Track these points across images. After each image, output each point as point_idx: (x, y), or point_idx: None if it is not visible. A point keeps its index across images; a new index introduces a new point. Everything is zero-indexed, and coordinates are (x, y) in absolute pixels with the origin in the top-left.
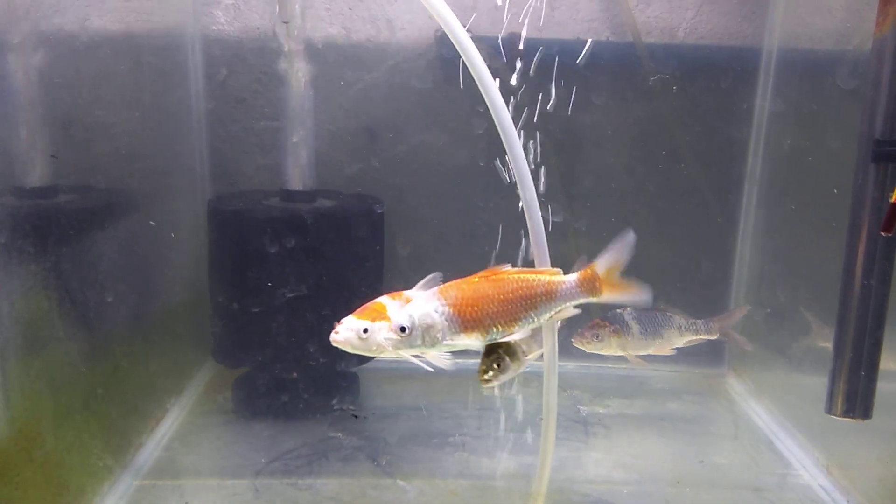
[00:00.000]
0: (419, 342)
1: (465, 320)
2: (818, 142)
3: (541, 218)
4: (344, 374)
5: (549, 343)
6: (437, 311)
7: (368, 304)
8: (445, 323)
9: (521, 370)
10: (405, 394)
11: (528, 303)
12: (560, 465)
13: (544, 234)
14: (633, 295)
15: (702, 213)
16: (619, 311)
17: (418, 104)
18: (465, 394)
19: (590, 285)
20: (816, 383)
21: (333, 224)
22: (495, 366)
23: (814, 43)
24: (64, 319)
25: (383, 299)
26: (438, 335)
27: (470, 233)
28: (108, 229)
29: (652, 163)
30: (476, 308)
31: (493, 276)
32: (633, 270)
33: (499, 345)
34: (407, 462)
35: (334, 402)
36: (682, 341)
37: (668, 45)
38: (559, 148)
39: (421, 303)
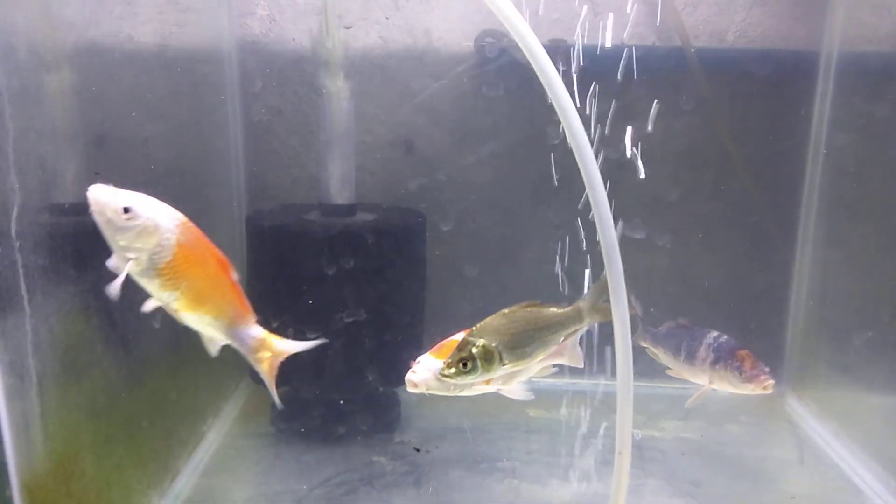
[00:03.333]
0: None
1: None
2: (882, 149)
3: (615, 234)
4: (386, 394)
5: (624, 365)
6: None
7: (444, 343)
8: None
9: (499, 381)
10: (448, 415)
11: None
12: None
13: (618, 250)
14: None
15: (757, 224)
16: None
17: (459, 114)
18: (510, 415)
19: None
20: (885, 404)
21: (375, 239)
22: (461, 365)
23: (875, 45)
24: (103, 344)
25: (459, 336)
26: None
27: (517, 248)
28: None
29: (704, 173)
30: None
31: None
32: (684, 284)
33: (474, 344)
34: (455, 490)
35: (395, 435)
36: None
37: (716, 49)
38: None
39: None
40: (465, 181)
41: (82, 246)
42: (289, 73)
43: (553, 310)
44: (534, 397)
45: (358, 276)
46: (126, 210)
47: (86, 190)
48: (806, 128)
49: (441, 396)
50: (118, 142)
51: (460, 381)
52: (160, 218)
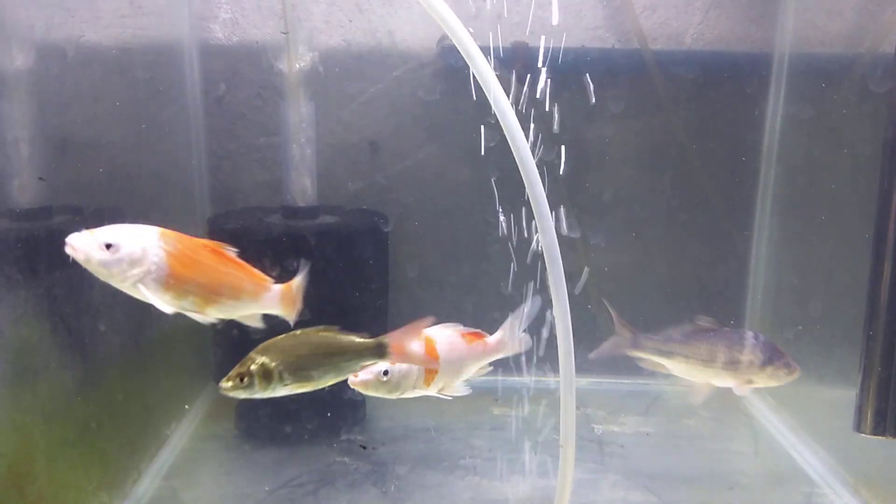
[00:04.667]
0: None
1: None
2: (834, 147)
3: (555, 235)
4: (350, 398)
5: (566, 363)
6: None
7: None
8: None
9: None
10: (412, 415)
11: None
12: (576, 487)
13: (558, 251)
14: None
15: (714, 222)
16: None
17: (422, 116)
18: (474, 414)
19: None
20: (838, 397)
21: (337, 241)
22: (239, 380)
23: (826, 46)
24: (57, 348)
25: None
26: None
27: (479, 250)
28: None
29: (662, 173)
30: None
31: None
32: (645, 282)
33: (254, 361)
34: (417, 488)
35: (341, 431)
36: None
37: (674, 51)
38: (568, 159)
39: None
40: (429, 182)
41: (33, 250)
42: (251, 77)
43: (351, 338)
44: (470, 391)
45: (320, 278)
46: (108, 246)
47: (42, 194)
48: (760, 127)
49: (405, 398)
50: (77, 146)
51: (237, 395)
52: (141, 239)
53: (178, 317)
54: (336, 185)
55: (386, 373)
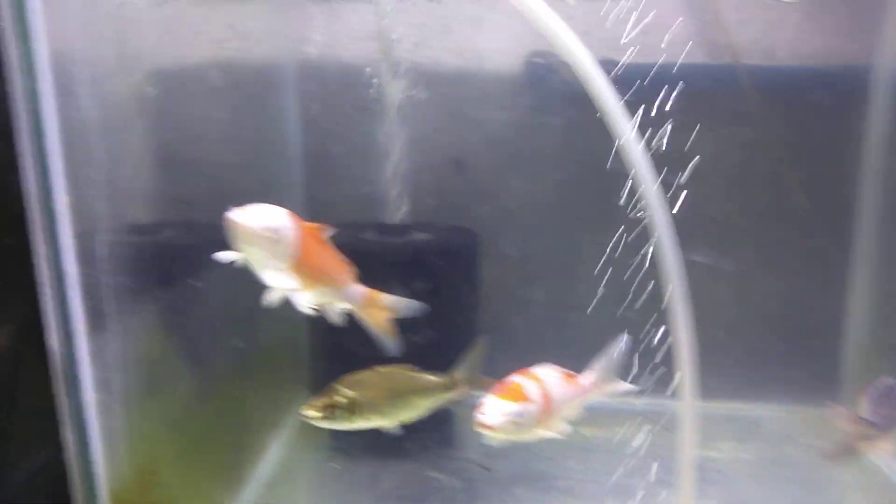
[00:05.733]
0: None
1: None
2: None
3: (677, 253)
4: (440, 411)
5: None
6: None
7: (505, 383)
8: None
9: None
10: None
11: None
12: None
13: (681, 272)
14: None
15: (812, 244)
16: None
17: (510, 134)
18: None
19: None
20: None
21: (429, 259)
22: (328, 410)
23: None
24: (179, 359)
25: (517, 378)
26: None
27: (570, 268)
28: (212, 267)
29: (755, 191)
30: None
31: None
32: (740, 307)
33: (342, 394)
34: None
35: (431, 447)
36: None
37: (767, 67)
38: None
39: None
40: (516, 201)
41: (159, 265)
42: (344, 96)
43: (426, 376)
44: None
45: (413, 293)
46: (269, 227)
47: (156, 211)
48: (859, 144)
49: None
50: (184, 164)
51: (318, 423)
52: (283, 217)
53: (275, 326)
54: (422, 202)
55: (520, 414)
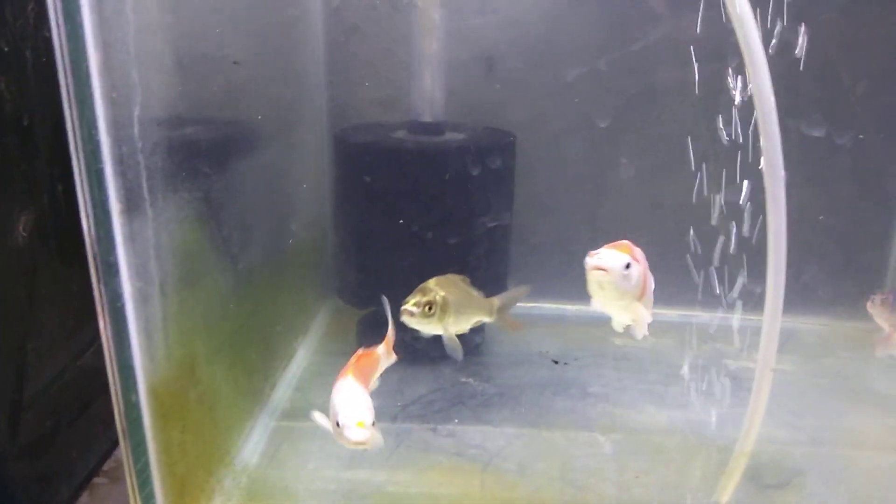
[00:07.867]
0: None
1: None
2: None
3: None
4: None
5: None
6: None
7: (615, 243)
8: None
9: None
10: (531, 341)
11: None
12: (719, 422)
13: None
14: None
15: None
16: None
17: (542, 32)
18: (596, 344)
19: None
20: None
21: (464, 158)
22: (427, 308)
23: None
24: (215, 253)
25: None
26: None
27: (598, 173)
28: (244, 161)
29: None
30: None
31: None
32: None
33: (437, 293)
34: (548, 412)
35: (482, 359)
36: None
37: None
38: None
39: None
40: (550, 102)
41: (194, 154)
42: None
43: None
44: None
45: (447, 193)
46: (627, 265)
47: (188, 106)
48: None
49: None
50: (213, 59)
51: (414, 323)
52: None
53: (303, 228)
54: (455, 100)
55: (628, 265)
